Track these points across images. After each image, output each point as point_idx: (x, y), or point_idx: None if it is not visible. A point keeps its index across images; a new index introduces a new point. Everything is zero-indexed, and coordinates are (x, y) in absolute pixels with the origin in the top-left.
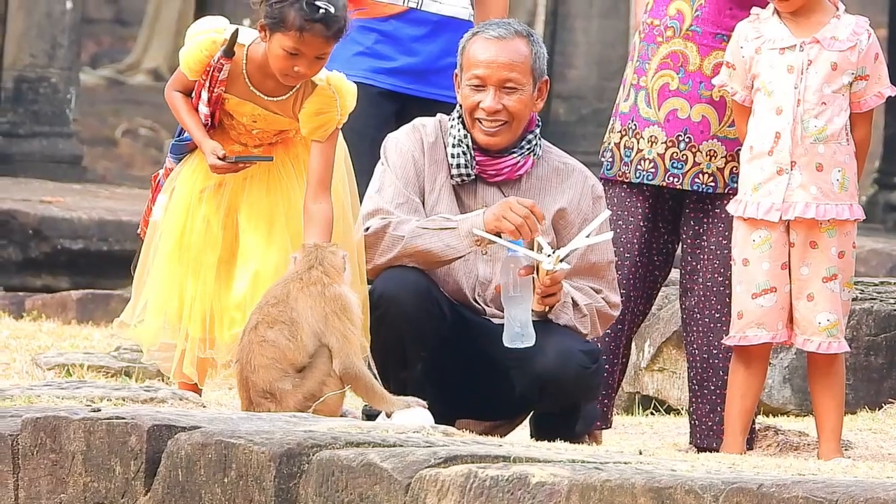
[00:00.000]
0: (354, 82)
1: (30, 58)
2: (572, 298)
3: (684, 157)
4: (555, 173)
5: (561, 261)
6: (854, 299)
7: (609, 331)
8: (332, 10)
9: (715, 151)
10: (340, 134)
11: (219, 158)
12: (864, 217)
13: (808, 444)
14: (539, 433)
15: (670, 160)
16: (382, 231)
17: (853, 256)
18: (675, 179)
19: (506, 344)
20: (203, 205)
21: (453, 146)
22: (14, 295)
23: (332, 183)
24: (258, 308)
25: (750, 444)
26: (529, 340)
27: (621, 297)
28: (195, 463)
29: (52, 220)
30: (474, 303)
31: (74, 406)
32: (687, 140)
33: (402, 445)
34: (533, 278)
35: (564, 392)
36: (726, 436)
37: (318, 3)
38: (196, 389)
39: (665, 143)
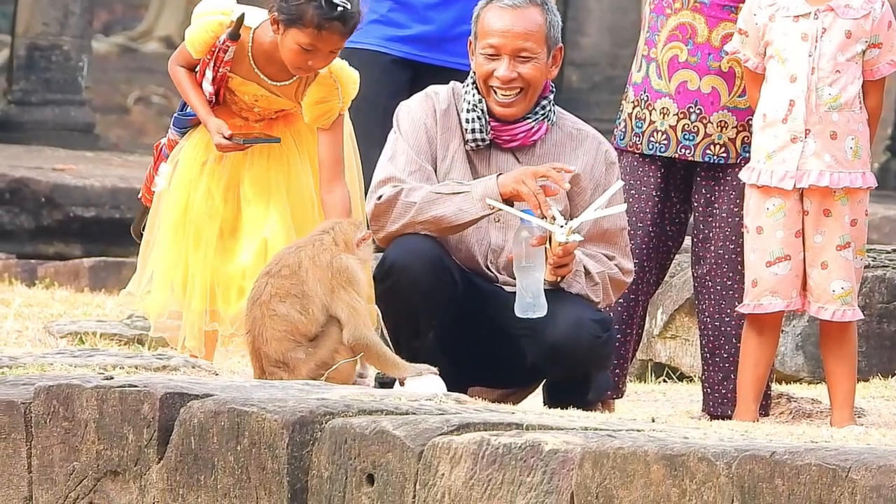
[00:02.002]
0: (368, 50)
1: (42, 26)
2: (584, 267)
3: (696, 128)
4: (569, 139)
5: (573, 232)
6: (866, 267)
7: (622, 300)
8: (349, 7)
9: (726, 122)
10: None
11: (225, 138)
12: (877, 184)
13: (821, 412)
14: (551, 401)
15: (682, 132)
16: (395, 198)
17: (866, 224)
18: (688, 151)
19: (518, 314)
20: (205, 177)
21: (467, 111)
22: (26, 262)
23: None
24: (269, 275)
25: (765, 411)
26: (541, 311)
27: (635, 266)
28: (208, 431)
29: (65, 187)
30: (486, 270)
31: (87, 374)
32: (698, 112)
33: (414, 413)
34: (545, 248)
35: (576, 361)
36: (739, 403)
37: (335, 0)
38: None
39: (676, 114)
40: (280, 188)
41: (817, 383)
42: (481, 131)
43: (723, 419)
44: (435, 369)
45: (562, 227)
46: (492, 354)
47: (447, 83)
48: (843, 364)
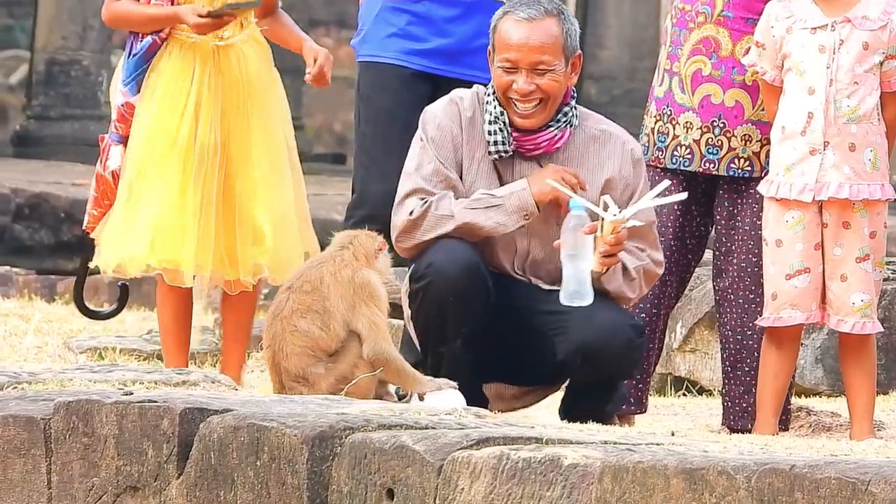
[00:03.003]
0: (387, 63)
1: (61, 40)
2: (622, 263)
3: (719, 142)
4: (592, 142)
5: (629, 219)
6: (886, 279)
7: (644, 314)
8: None
9: (750, 136)
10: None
11: (202, 16)
12: None
13: (841, 425)
14: (569, 411)
15: (706, 146)
16: (425, 213)
17: (884, 236)
18: (712, 165)
19: (563, 302)
20: (189, 105)
21: (490, 123)
22: (46, 278)
23: (272, 127)
24: (290, 290)
25: (785, 426)
26: (588, 299)
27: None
28: (227, 446)
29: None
30: (515, 274)
31: (107, 389)
32: (721, 125)
33: (434, 428)
34: (595, 237)
35: (607, 363)
36: (759, 417)
37: None
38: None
39: (700, 128)
40: (275, 153)
41: (837, 396)
42: (504, 143)
43: (743, 433)
44: (454, 384)
45: (615, 215)
46: (519, 350)
47: None
48: (862, 377)
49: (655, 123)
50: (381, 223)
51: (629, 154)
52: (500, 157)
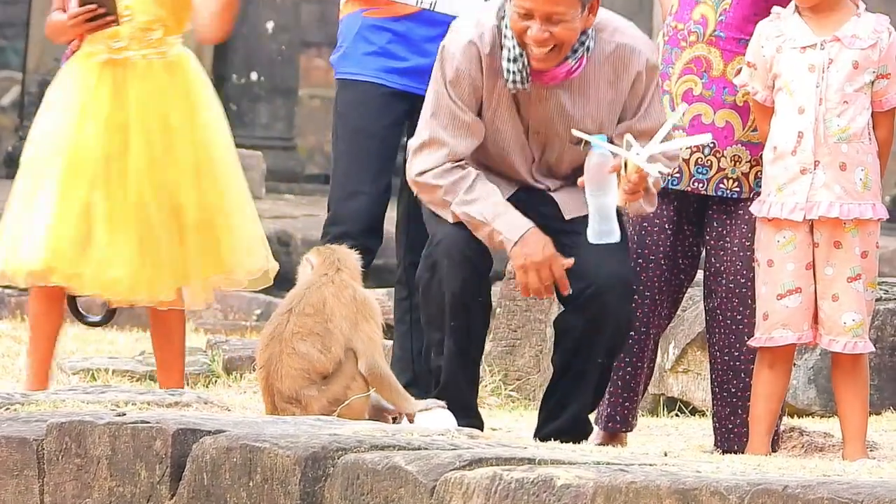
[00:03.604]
0: (366, 82)
1: (53, 62)
2: None
3: (709, 162)
4: (607, 61)
5: (648, 160)
6: (878, 300)
7: (634, 333)
8: None
9: (739, 156)
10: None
11: (75, 15)
12: (888, 216)
13: (833, 445)
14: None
15: (695, 165)
16: (433, 189)
17: (876, 256)
18: (700, 185)
19: (590, 240)
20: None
21: (509, 60)
22: None
23: (212, 132)
24: (290, 312)
25: (774, 447)
26: (615, 236)
27: (647, 300)
28: (220, 467)
29: None
30: (534, 182)
31: (99, 410)
32: (711, 145)
33: (426, 448)
34: (619, 174)
35: (607, 309)
36: (751, 437)
37: None
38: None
39: (689, 148)
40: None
41: (829, 417)
42: (522, 81)
43: (733, 454)
44: (443, 403)
45: (637, 154)
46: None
47: None
48: (855, 397)
49: None
50: (356, 241)
51: (644, 64)
52: (518, 91)
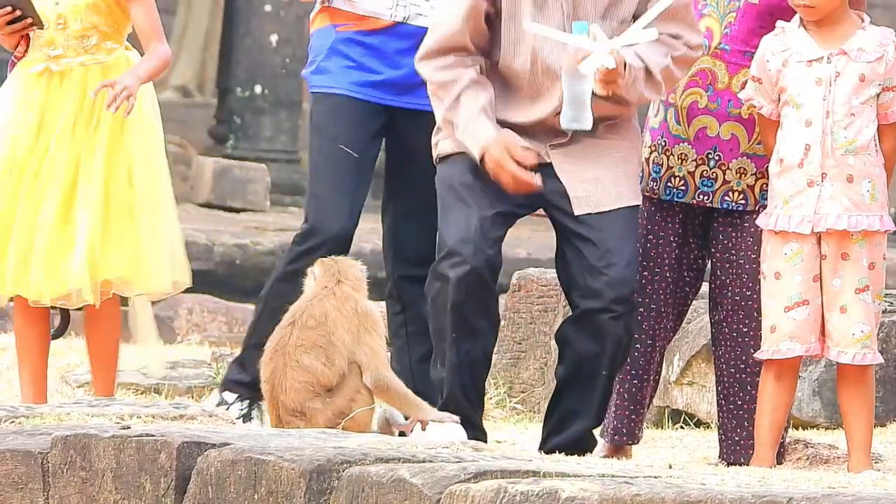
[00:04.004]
0: (340, 95)
1: None
2: (646, 66)
3: (714, 175)
4: None
5: (614, 53)
6: (884, 312)
7: (640, 346)
8: None
9: (745, 169)
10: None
11: None
12: (895, 228)
13: (838, 457)
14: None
15: (700, 178)
16: (428, 80)
17: (884, 268)
18: (706, 198)
19: (563, 126)
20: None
21: None
22: None
23: (147, 138)
24: (293, 325)
25: (780, 460)
26: (585, 124)
27: (652, 313)
28: (225, 480)
29: None
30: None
31: (104, 423)
32: (717, 158)
33: (431, 461)
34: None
35: (609, 291)
36: (757, 449)
37: None
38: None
39: (695, 160)
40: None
41: (834, 429)
42: None
43: (738, 466)
44: (457, 418)
45: (603, 48)
46: None
47: (421, 126)
48: (860, 408)
49: (650, 154)
50: (330, 255)
51: None
52: None
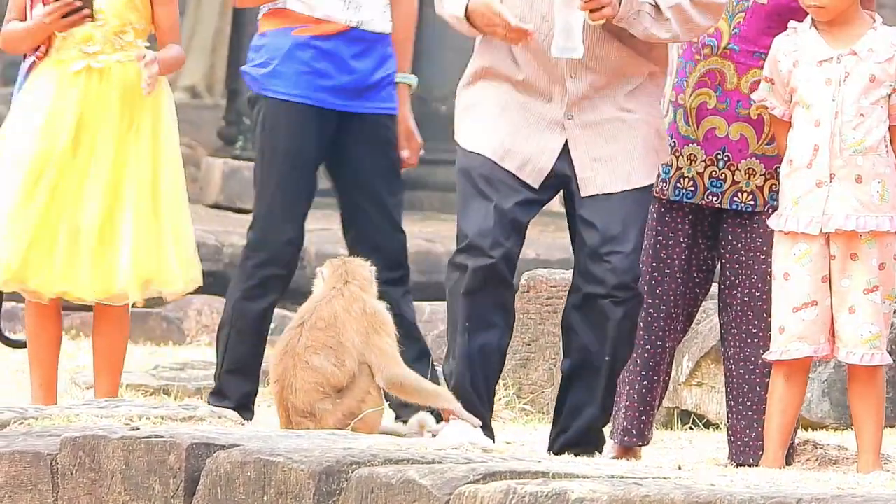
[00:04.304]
0: (298, 103)
1: None
2: (655, 2)
3: (723, 175)
4: None
5: None
6: (895, 312)
7: (649, 347)
8: None
9: (754, 170)
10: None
11: (49, 14)
12: None
13: (848, 458)
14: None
15: (709, 179)
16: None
17: (894, 268)
18: (715, 198)
19: (553, 54)
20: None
21: None
22: None
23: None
24: (302, 326)
25: (789, 461)
26: (576, 53)
27: (662, 314)
28: (234, 481)
29: None
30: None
31: (113, 425)
32: (726, 159)
33: (440, 462)
34: None
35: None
36: (766, 450)
37: None
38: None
39: (704, 161)
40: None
41: (843, 430)
42: None
43: (748, 467)
44: (479, 422)
45: None
46: None
47: (373, 129)
48: (870, 409)
49: None
50: (281, 267)
51: None
52: None
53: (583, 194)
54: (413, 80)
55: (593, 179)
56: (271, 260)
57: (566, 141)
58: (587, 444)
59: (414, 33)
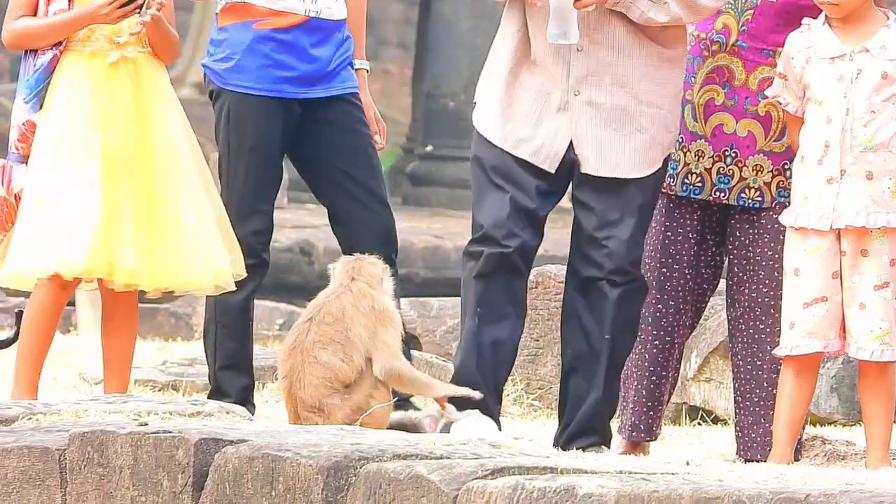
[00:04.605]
0: (262, 96)
1: None
2: None
3: (731, 171)
4: None
5: None
6: None
7: (658, 342)
8: None
9: (761, 166)
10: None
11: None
12: None
13: (856, 454)
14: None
15: (717, 175)
16: None
17: None
18: (722, 194)
19: (548, 40)
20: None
21: None
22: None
23: (174, 141)
24: (311, 321)
25: (797, 456)
26: (571, 38)
27: (671, 310)
28: (242, 476)
29: None
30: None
31: (121, 420)
32: (733, 155)
33: (449, 457)
34: None
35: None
36: (774, 446)
37: None
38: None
39: (712, 157)
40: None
41: (852, 425)
42: None
43: (755, 463)
44: (478, 395)
45: None
46: None
47: (335, 111)
48: (879, 405)
49: None
50: (257, 258)
51: None
52: None
53: (583, 170)
54: (368, 65)
55: (592, 158)
56: (244, 252)
57: (571, 119)
58: (592, 433)
59: (365, 18)
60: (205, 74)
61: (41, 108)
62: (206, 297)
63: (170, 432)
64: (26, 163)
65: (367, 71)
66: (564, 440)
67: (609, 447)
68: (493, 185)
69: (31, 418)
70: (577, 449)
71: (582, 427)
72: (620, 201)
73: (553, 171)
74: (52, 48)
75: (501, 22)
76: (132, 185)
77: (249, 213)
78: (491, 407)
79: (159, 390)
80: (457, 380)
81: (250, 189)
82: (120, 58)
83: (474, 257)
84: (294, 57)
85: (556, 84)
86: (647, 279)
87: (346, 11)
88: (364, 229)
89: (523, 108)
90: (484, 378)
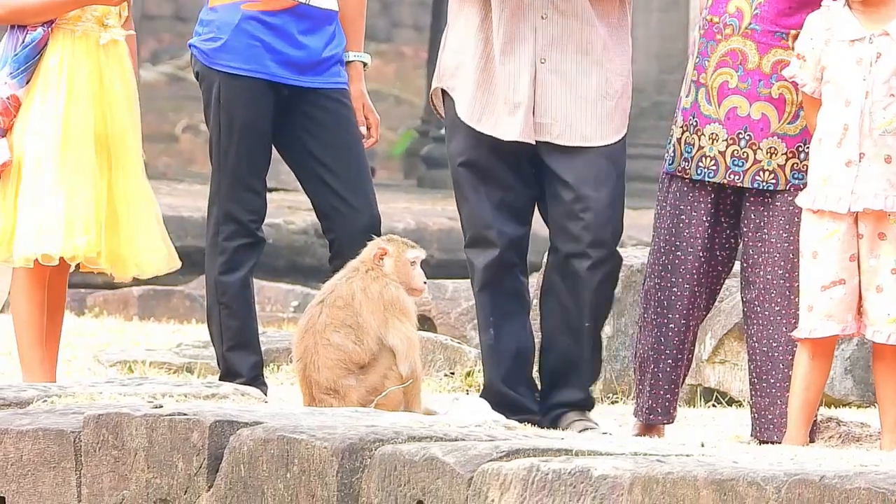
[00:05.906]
0: (251, 77)
1: None
2: None
3: (745, 154)
4: None
5: None
6: None
7: (673, 325)
8: None
9: (775, 149)
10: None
11: None
12: None
13: (871, 436)
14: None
15: (731, 158)
16: None
17: None
18: (736, 177)
19: None
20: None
21: None
22: (76, 292)
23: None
24: (322, 304)
25: (812, 437)
26: None
27: (685, 292)
28: (257, 458)
29: None
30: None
31: (136, 402)
32: (747, 138)
33: (464, 440)
34: None
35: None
36: (789, 428)
37: None
38: None
39: (726, 140)
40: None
41: (866, 407)
42: None
43: (770, 444)
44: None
45: None
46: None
47: (321, 105)
48: (894, 387)
49: (682, 134)
50: (252, 237)
51: None
52: None
53: (551, 139)
54: (367, 57)
55: (559, 126)
56: (239, 232)
57: (536, 88)
58: (581, 407)
59: (365, 11)
60: (192, 54)
61: (27, 83)
62: (206, 280)
63: (185, 415)
64: (5, 136)
65: (365, 64)
66: (552, 418)
67: (591, 409)
68: (471, 183)
69: (45, 401)
70: (560, 407)
71: (568, 403)
72: (594, 171)
73: (533, 141)
74: (42, 25)
75: (453, 10)
76: (116, 166)
77: (243, 195)
78: (528, 408)
79: (174, 372)
80: (486, 395)
81: (243, 169)
82: (110, 40)
83: (471, 266)
84: (282, 41)
85: (524, 50)
86: (661, 262)
87: (346, 5)
88: (348, 227)
89: (489, 83)
90: (513, 388)
